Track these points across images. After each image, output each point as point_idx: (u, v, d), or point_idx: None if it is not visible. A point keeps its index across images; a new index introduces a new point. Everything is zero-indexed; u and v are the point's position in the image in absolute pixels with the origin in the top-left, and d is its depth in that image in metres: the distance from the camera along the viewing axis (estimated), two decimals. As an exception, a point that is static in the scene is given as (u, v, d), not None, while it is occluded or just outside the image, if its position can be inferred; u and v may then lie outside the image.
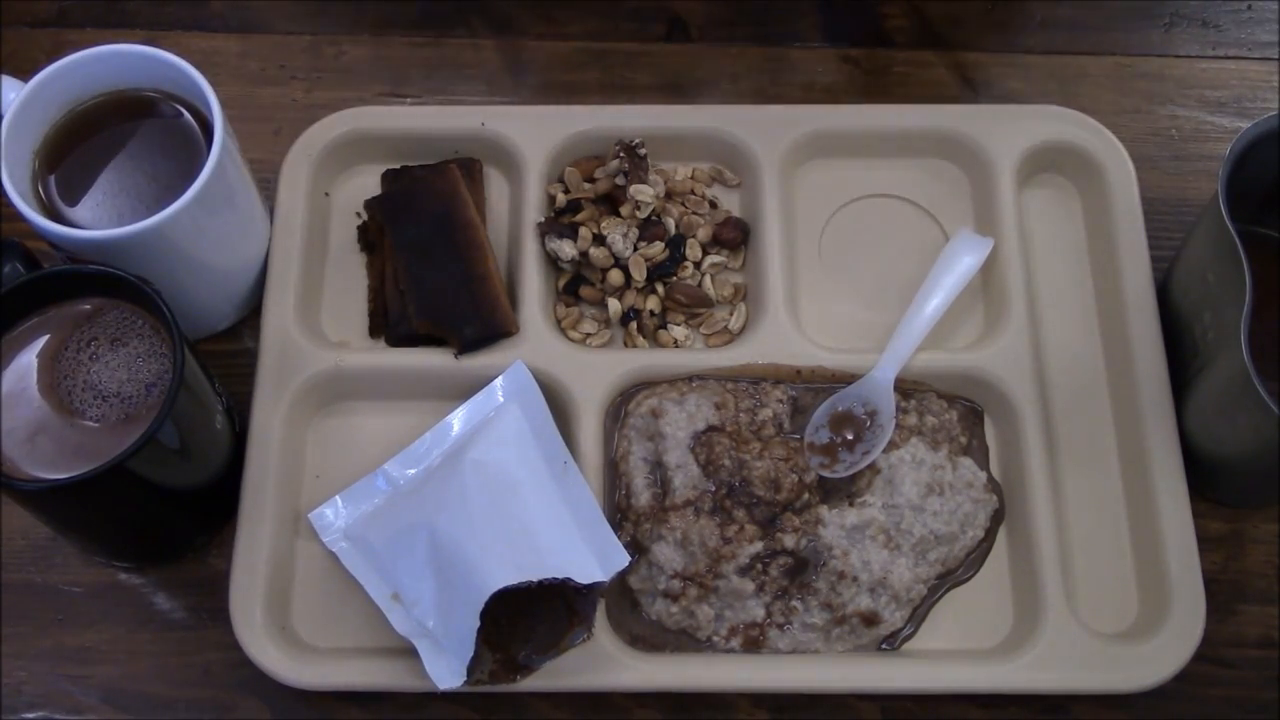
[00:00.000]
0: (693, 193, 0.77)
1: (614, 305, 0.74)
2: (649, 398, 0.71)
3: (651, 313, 0.74)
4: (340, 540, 0.69)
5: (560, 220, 0.75)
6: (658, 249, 0.74)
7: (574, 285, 0.75)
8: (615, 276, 0.74)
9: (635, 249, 0.74)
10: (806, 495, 0.68)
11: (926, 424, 0.70)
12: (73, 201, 0.68)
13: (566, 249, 0.74)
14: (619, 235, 0.73)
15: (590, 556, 0.65)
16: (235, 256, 0.73)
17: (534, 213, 0.75)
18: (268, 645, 0.65)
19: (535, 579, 0.61)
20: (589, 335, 0.74)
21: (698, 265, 0.75)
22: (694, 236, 0.75)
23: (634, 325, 0.74)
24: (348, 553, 0.68)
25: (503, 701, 0.67)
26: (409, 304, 0.72)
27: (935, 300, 0.72)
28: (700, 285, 0.75)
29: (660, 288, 0.75)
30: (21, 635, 0.68)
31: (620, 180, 0.75)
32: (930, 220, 0.78)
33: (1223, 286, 0.66)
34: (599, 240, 0.74)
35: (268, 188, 0.76)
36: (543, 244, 0.75)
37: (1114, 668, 0.65)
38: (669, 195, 0.77)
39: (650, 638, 0.67)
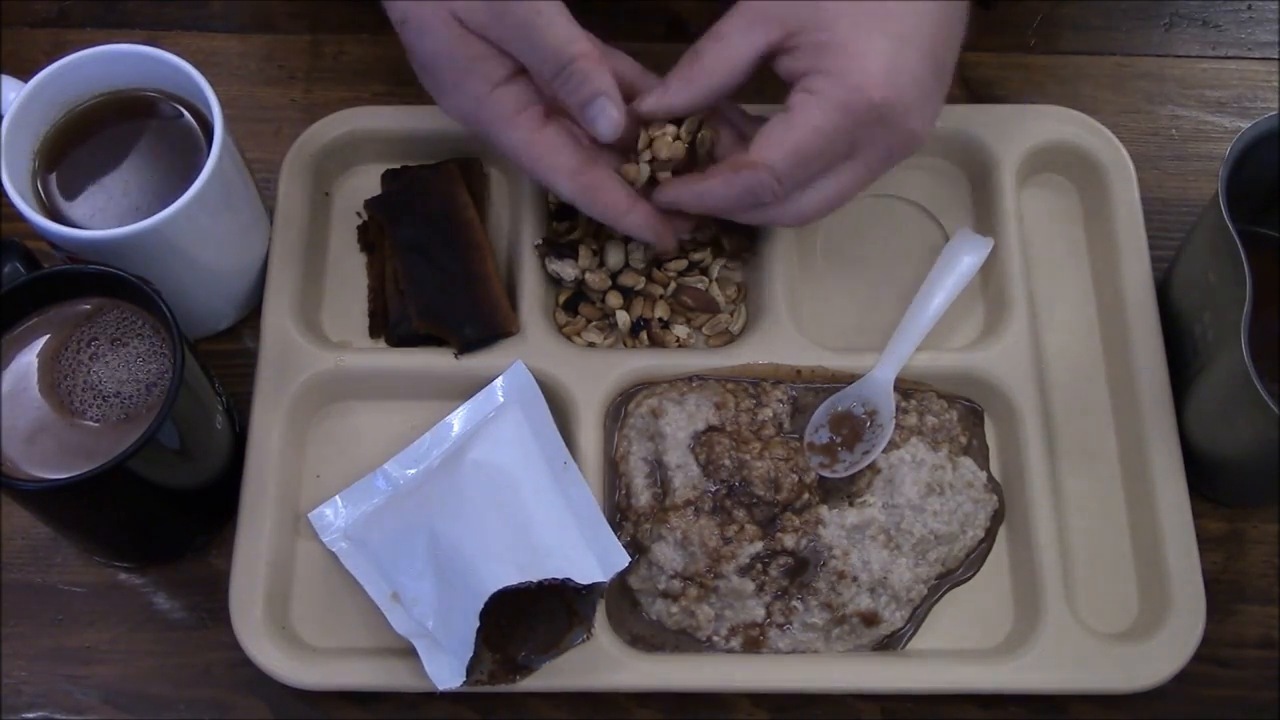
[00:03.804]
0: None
1: (623, 318, 0.73)
2: (649, 397, 0.71)
3: (660, 320, 0.74)
4: (340, 540, 0.69)
5: (558, 228, 0.74)
6: (679, 263, 0.74)
7: (574, 302, 0.74)
8: (614, 299, 0.73)
9: (636, 263, 0.73)
10: (806, 495, 0.68)
11: (926, 424, 0.70)
12: (73, 201, 0.68)
13: (569, 270, 0.73)
14: (618, 247, 0.73)
15: (590, 557, 0.65)
16: (235, 256, 0.73)
17: (534, 212, 0.75)
18: (268, 645, 0.65)
19: (535, 579, 0.61)
20: (592, 344, 0.73)
21: (705, 270, 0.75)
22: (710, 243, 0.75)
23: (644, 335, 0.73)
24: (348, 553, 0.68)
25: (502, 701, 0.67)
26: (409, 304, 0.72)
27: (935, 300, 0.72)
28: (709, 290, 0.75)
29: (665, 288, 0.74)
30: (21, 635, 0.68)
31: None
32: (930, 220, 0.78)
33: (1223, 286, 0.66)
34: (598, 257, 0.73)
35: (268, 188, 0.76)
36: (543, 265, 0.74)
37: (1114, 668, 0.65)
38: None
39: (650, 638, 0.67)
